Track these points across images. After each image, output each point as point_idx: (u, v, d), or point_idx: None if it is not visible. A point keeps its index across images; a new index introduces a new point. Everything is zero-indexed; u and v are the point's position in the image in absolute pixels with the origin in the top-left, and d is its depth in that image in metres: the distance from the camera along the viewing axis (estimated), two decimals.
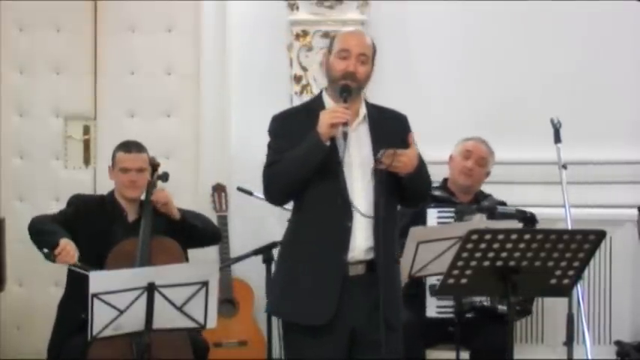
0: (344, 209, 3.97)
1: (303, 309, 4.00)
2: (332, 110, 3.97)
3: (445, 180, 5.56)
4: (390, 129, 4.09)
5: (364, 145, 4.06)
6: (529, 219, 5.21)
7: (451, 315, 5.09)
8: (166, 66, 6.55)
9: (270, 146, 4.12)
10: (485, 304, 5.14)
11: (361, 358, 4.01)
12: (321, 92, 4.21)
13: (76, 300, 4.89)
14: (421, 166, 4.05)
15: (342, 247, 3.98)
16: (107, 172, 5.30)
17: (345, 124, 3.93)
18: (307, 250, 4.02)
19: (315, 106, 4.11)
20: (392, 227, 4.08)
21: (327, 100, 4.12)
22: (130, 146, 5.21)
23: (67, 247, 4.81)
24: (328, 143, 3.93)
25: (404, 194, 4.10)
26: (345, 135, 3.95)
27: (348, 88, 4.01)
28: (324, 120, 3.93)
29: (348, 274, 3.98)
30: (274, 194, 4.08)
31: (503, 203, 5.50)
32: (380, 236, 3.97)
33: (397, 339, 4.05)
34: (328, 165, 3.96)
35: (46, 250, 4.81)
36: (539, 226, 5.20)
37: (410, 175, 3.99)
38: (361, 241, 3.99)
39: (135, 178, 5.13)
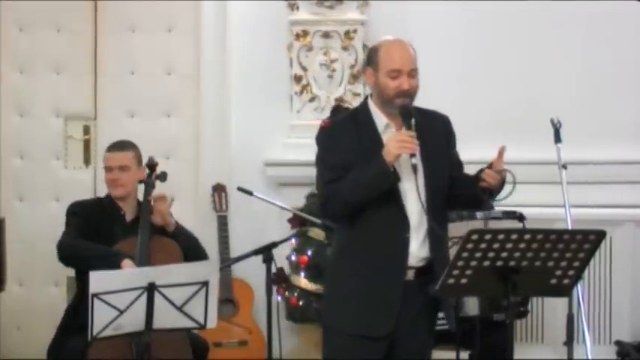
0: (400, 220, 3.97)
1: (366, 321, 4.00)
2: (399, 139, 3.90)
3: None
4: (434, 133, 4.07)
5: (416, 151, 3.99)
6: (517, 218, 5.21)
7: (446, 327, 5.09)
8: (166, 66, 6.55)
9: (321, 159, 4.11)
10: (477, 314, 5.13)
11: None
12: (366, 100, 4.15)
13: (86, 307, 4.91)
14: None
15: (401, 259, 3.98)
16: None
17: (413, 155, 3.90)
18: (366, 263, 4.00)
19: (362, 116, 4.06)
20: (445, 231, 4.11)
21: (374, 109, 4.06)
22: (113, 145, 5.19)
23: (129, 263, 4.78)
24: (392, 169, 3.91)
25: (460, 199, 4.10)
26: (414, 167, 3.91)
27: (409, 111, 3.97)
28: (392, 149, 3.89)
29: (405, 281, 4.00)
30: (334, 212, 4.07)
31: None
32: (435, 242, 4.00)
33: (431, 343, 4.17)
34: None
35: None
36: (535, 225, 5.18)
37: (496, 188, 3.99)
38: (414, 248, 3.99)
39: (116, 177, 5.10)
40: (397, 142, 3.91)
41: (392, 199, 3.96)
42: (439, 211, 4.04)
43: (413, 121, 3.96)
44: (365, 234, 4.00)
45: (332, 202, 4.01)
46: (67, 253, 4.95)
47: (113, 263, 4.72)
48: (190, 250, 5.09)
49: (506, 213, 5.28)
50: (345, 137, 4.01)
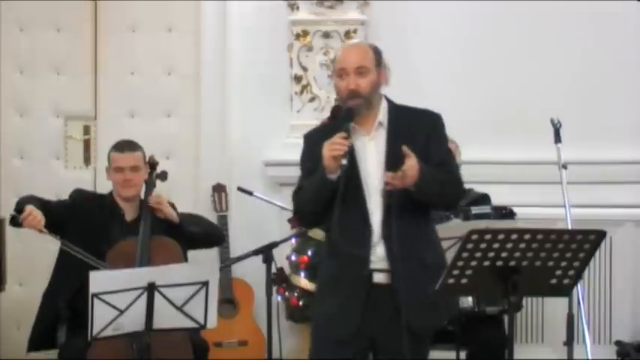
0: (364, 224, 3.96)
1: (331, 324, 4.01)
2: (330, 143, 3.88)
3: None
4: (410, 131, 4.01)
5: (381, 152, 4.01)
6: (507, 214, 5.20)
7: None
8: (166, 66, 6.56)
9: (300, 167, 4.13)
10: (471, 308, 5.13)
11: None
12: None
13: (58, 289, 4.94)
14: (424, 175, 3.91)
15: (363, 261, 3.96)
16: (105, 173, 5.29)
17: (344, 156, 3.85)
18: (333, 265, 4.03)
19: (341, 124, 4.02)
20: (418, 234, 4.03)
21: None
22: (122, 145, 5.20)
23: (34, 213, 4.85)
24: (335, 176, 3.87)
25: (427, 203, 4.04)
26: (342, 168, 3.85)
27: (351, 113, 3.96)
28: (324, 154, 3.89)
29: (372, 284, 3.98)
30: (301, 219, 4.17)
31: (486, 196, 5.48)
32: (396, 248, 3.91)
33: (422, 347, 4.08)
34: (348, 179, 3.91)
35: (13, 213, 4.86)
36: (535, 225, 5.17)
37: (416, 187, 3.90)
38: (382, 250, 3.97)
39: (129, 177, 5.13)
40: (328, 146, 3.89)
41: (358, 201, 3.95)
42: (409, 213, 3.95)
43: (350, 125, 3.93)
44: (334, 236, 3.96)
45: (298, 210, 4.11)
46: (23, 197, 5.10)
47: (16, 208, 4.90)
48: (205, 226, 5.28)
49: (496, 209, 5.27)
50: (317, 145, 3.97)
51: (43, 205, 5.04)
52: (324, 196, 3.92)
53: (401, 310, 3.91)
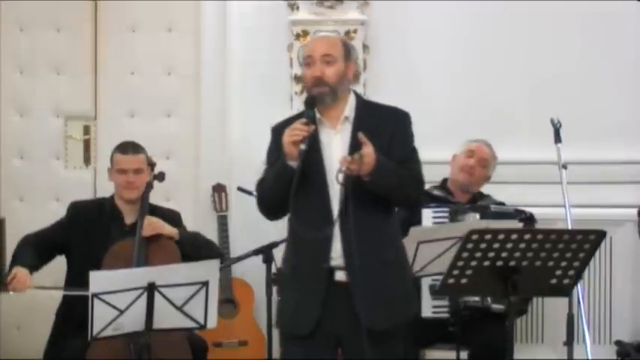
0: (325, 217, 3.90)
1: (289, 319, 3.99)
2: (291, 129, 3.86)
3: (445, 180, 5.57)
4: (376, 128, 3.96)
5: (345, 146, 3.97)
6: (527, 218, 5.20)
7: (446, 315, 5.09)
8: (166, 66, 6.55)
9: (266, 158, 4.10)
10: (477, 303, 5.14)
11: None
12: None
13: (72, 306, 4.92)
14: (380, 165, 3.86)
15: (322, 257, 3.92)
16: (107, 173, 5.29)
17: (302, 141, 3.82)
18: (294, 260, 4.00)
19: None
20: (378, 230, 3.98)
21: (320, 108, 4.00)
22: (126, 147, 5.20)
23: (18, 275, 4.88)
24: (295, 163, 3.82)
25: (383, 195, 3.96)
26: (300, 153, 3.82)
27: (312, 100, 3.93)
28: (284, 140, 3.86)
29: (333, 282, 3.93)
30: (263, 210, 4.08)
31: (502, 204, 5.50)
32: (353, 242, 3.84)
33: (387, 346, 3.98)
34: (311, 172, 3.88)
35: (4, 272, 4.91)
36: (538, 226, 5.19)
37: (371, 176, 3.85)
38: (340, 245, 3.92)
39: (132, 179, 5.12)
40: (288, 132, 3.86)
41: (319, 195, 3.91)
42: (368, 207, 3.91)
43: (314, 113, 3.90)
44: (295, 230, 3.94)
45: (260, 201, 4.05)
46: (17, 246, 5.12)
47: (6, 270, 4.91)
48: (196, 254, 5.04)
49: (518, 211, 5.28)
50: (282, 137, 3.92)
51: (37, 243, 5.09)
52: (284, 183, 3.85)
53: (357, 309, 3.87)
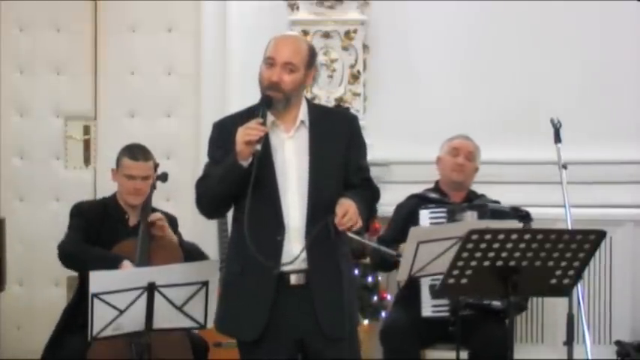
0: (276, 222, 3.85)
1: (237, 324, 3.92)
2: (246, 127, 3.77)
3: (437, 182, 5.55)
4: (333, 132, 3.92)
5: (302, 153, 3.90)
6: (523, 216, 5.20)
7: (447, 313, 5.09)
8: (166, 66, 6.56)
9: (207, 154, 4.02)
10: (478, 300, 5.14)
11: None
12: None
13: (84, 307, 4.90)
14: (361, 211, 3.81)
15: (273, 261, 3.83)
16: (110, 173, 5.21)
17: (258, 141, 3.75)
18: (242, 263, 3.90)
19: (256, 112, 3.87)
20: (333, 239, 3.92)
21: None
22: (137, 153, 5.13)
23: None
24: (246, 163, 3.77)
25: None
26: (255, 153, 3.74)
27: (269, 100, 3.85)
28: (237, 139, 3.76)
29: (288, 285, 3.87)
30: (202, 208, 3.96)
31: (497, 202, 5.50)
32: (315, 248, 3.82)
33: (342, 347, 3.92)
34: (262, 175, 3.80)
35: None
36: (535, 225, 5.19)
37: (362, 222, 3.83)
38: (295, 252, 3.84)
39: (139, 186, 5.09)
40: (243, 130, 3.78)
41: (271, 199, 3.84)
42: (324, 214, 3.84)
43: (268, 112, 3.84)
44: (243, 232, 3.80)
45: (200, 198, 3.92)
46: (67, 256, 4.96)
47: (112, 267, 4.71)
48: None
49: (514, 209, 5.27)
50: (231, 134, 3.85)
51: (82, 240, 5.02)
52: (231, 183, 3.80)
53: (316, 312, 3.85)
